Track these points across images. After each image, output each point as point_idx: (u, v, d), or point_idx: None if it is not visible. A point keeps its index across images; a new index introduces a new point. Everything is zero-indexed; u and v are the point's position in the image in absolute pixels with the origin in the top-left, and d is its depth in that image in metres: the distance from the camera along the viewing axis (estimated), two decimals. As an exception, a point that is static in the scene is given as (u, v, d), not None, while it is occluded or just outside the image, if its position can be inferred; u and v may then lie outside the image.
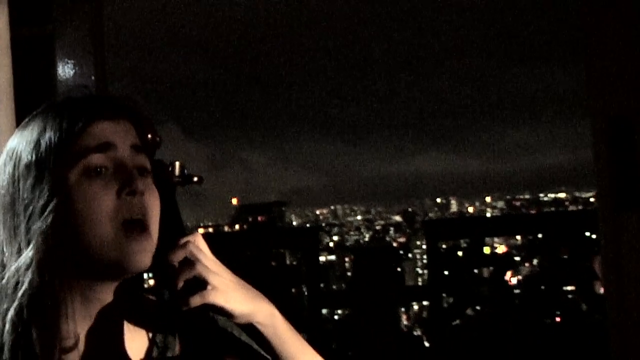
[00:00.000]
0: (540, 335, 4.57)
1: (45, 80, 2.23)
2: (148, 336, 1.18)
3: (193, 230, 1.26)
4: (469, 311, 4.92)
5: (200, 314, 1.12)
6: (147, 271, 1.17)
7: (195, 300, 1.09)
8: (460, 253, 4.81)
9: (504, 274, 4.68)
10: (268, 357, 1.17)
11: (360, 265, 4.34)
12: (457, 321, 4.77)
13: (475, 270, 4.80)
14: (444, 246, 4.78)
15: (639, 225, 2.27)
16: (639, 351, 2.25)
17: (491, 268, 4.69)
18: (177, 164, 1.30)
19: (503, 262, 4.64)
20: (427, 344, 5.45)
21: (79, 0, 2.25)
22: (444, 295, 4.44)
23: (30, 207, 1.08)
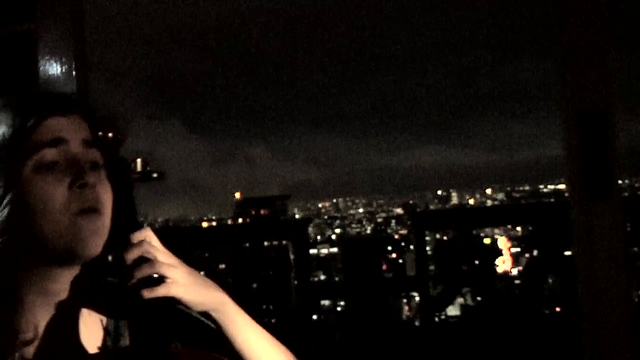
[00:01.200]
0: (537, 326, 4.60)
1: (27, 77, 2.27)
2: (102, 324, 1.22)
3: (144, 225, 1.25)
4: (469, 301, 4.97)
5: (157, 306, 1.16)
6: (105, 268, 1.23)
7: (155, 293, 1.13)
8: (449, 245, 4.86)
9: (492, 264, 4.72)
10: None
11: (347, 257, 4.39)
12: (457, 312, 4.81)
13: (476, 261, 4.85)
14: (444, 238, 4.83)
15: (608, 214, 2.31)
16: (611, 334, 2.30)
17: (480, 258, 4.73)
18: (139, 160, 1.32)
19: (489, 252, 4.68)
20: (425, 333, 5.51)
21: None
22: (432, 285, 4.49)
23: None
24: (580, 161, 2.33)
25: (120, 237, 1.18)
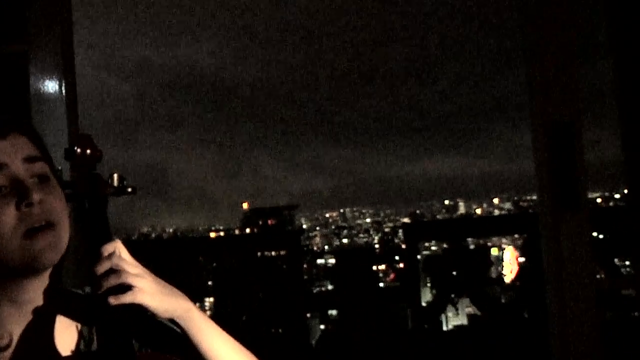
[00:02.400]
0: (537, 336, 4.65)
1: (18, 97, 2.36)
2: (77, 329, 1.30)
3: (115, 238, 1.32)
4: (471, 310, 5.01)
5: (124, 312, 1.23)
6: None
7: (122, 299, 1.21)
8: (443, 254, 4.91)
9: (485, 273, 4.78)
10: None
11: (341, 267, 4.46)
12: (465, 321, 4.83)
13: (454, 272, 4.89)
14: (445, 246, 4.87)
15: (576, 224, 2.39)
16: (579, 343, 2.37)
17: (472, 268, 4.78)
18: (115, 175, 1.40)
19: (481, 262, 4.74)
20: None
21: (52, 21, 2.38)
22: (421, 296, 4.55)
23: None
24: (548, 172, 2.41)
25: (92, 250, 1.25)
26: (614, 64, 2.51)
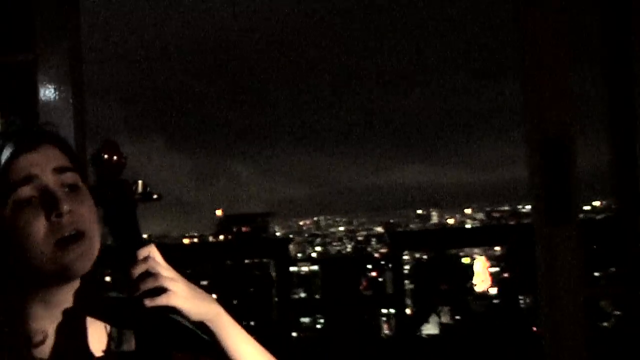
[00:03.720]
0: (514, 344, 4.72)
1: (26, 106, 2.40)
2: (106, 331, 1.34)
3: (150, 242, 1.36)
4: (447, 319, 5.09)
5: (158, 316, 1.28)
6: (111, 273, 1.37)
7: (157, 302, 1.25)
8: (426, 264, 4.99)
9: (467, 283, 4.86)
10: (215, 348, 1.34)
11: (326, 275, 4.52)
12: (437, 330, 4.92)
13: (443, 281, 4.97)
14: (424, 256, 4.95)
15: (568, 237, 2.48)
16: (568, 348, 2.46)
17: (456, 277, 4.87)
18: (140, 182, 1.43)
19: (465, 272, 4.82)
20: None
21: (60, 29, 2.42)
22: (406, 303, 4.62)
23: None
24: (541, 186, 2.50)
25: (127, 254, 1.30)
26: (605, 77, 2.62)
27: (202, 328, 1.34)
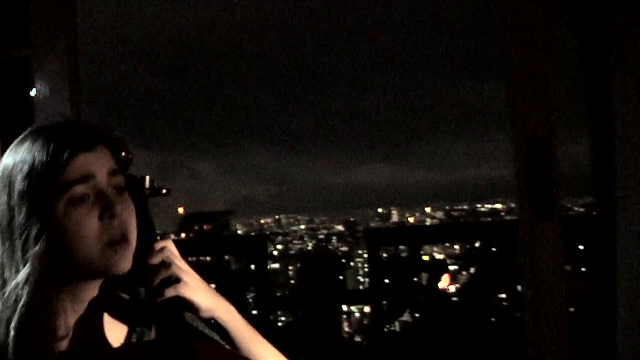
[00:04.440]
0: (475, 341, 4.80)
1: (22, 102, 2.41)
2: (128, 327, 1.38)
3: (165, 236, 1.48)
4: (407, 317, 5.16)
5: (172, 306, 1.31)
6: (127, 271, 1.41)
7: (170, 292, 1.30)
8: (400, 261, 5.06)
9: (440, 279, 4.94)
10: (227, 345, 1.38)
11: (306, 271, 4.57)
12: (397, 327, 4.99)
13: (415, 278, 5.05)
14: (384, 255, 5.01)
15: (550, 232, 2.59)
16: (554, 350, 2.57)
17: (427, 273, 4.94)
18: (147, 177, 1.47)
19: (438, 267, 4.90)
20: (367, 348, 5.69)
21: (56, 25, 2.43)
22: (384, 299, 4.68)
23: (25, 233, 1.24)
24: (526, 184, 2.60)
25: (144, 245, 1.34)
26: (584, 82, 2.73)
27: (213, 326, 1.39)
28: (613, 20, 2.54)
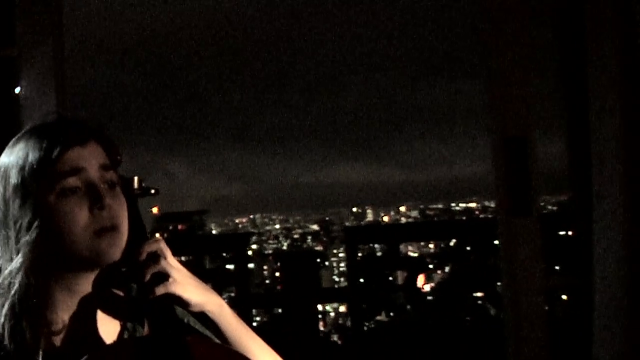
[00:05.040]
0: (451, 338, 4.85)
1: (8, 101, 2.42)
2: (120, 323, 1.43)
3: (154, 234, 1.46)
4: (382, 317, 5.20)
5: (163, 303, 1.34)
6: (119, 268, 1.44)
7: (160, 290, 1.33)
8: (376, 259, 5.09)
9: (417, 277, 4.99)
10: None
11: (286, 270, 4.60)
12: (372, 324, 5.03)
13: (390, 278, 5.10)
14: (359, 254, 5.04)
15: (529, 228, 2.66)
16: (532, 346, 2.64)
17: (405, 272, 4.99)
18: (136, 178, 1.52)
19: (417, 265, 4.95)
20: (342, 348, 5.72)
21: (43, 25, 2.45)
22: (364, 297, 4.72)
23: (19, 223, 1.30)
24: (504, 181, 2.67)
25: (135, 243, 1.38)
26: (561, 82, 2.80)
27: (204, 320, 1.42)
28: (584, 21, 2.60)
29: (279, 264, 5.35)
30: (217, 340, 1.43)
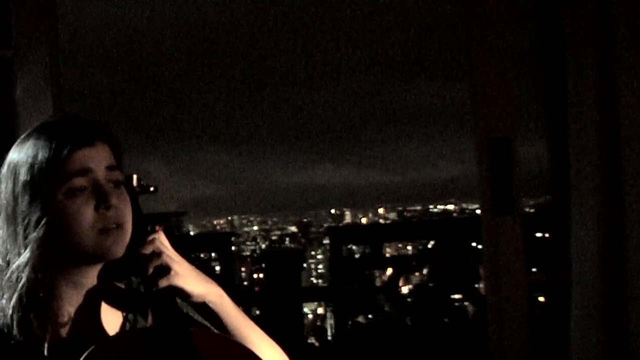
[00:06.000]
0: (429, 341, 4.89)
1: (4, 102, 2.44)
2: (123, 315, 1.49)
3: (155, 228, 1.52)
4: (361, 319, 5.24)
5: (165, 295, 1.41)
6: (122, 261, 1.50)
7: (163, 282, 1.40)
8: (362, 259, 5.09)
9: (401, 277, 5.04)
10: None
11: (271, 268, 4.64)
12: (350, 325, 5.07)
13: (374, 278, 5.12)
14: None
15: (511, 226, 2.73)
16: (515, 345, 2.70)
17: (391, 270, 5.03)
18: (135, 176, 1.57)
19: (403, 264, 4.97)
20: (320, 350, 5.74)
21: (38, 26, 2.47)
22: (348, 296, 4.74)
23: (27, 219, 1.35)
24: (488, 180, 2.75)
25: (137, 237, 1.44)
26: (544, 80, 2.88)
27: (205, 311, 1.48)
28: (562, 24, 2.66)
29: (262, 264, 5.37)
30: (216, 331, 1.48)
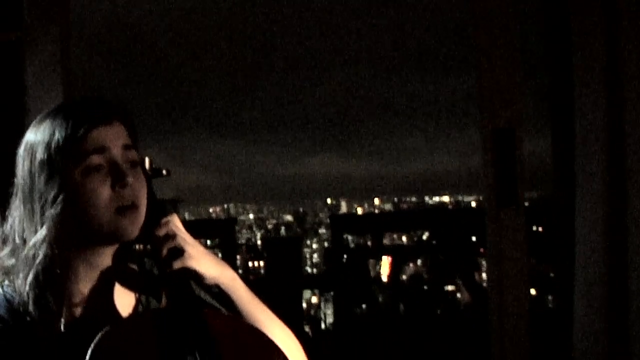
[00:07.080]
0: (424, 331, 4.91)
1: (14, 85, 2.43)
2: (135, 296, 1.50)
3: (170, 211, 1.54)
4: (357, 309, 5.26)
5: (179, 277, 1.42)
6: (135, 243, 1.50)
7: (177, 264, 1.42)
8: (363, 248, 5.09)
9: (402, 266, 5.05)
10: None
11: (272, 254, 4.65)
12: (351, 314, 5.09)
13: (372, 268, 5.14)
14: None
15: (514, 217, 2.75)
16: (516, 336, 2.73)
17: (389, 258, 5.05)
18: (147, 159, 1.57)
19: (405, 253, 4.97)
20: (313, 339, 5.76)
21: (49, 8, 2.47)
22: (348, 285, 4.76)
23: (44, 197, 1.37)
24: (491, 172, 2.76)
25: (151, 220, 1.46)
26: (550, 75, 2.89)
27: (217, 294, 1.50)
28: (569, 18, 2.67)
29: (259, 253, 5.38)
30: (229, 313, 1.50)
